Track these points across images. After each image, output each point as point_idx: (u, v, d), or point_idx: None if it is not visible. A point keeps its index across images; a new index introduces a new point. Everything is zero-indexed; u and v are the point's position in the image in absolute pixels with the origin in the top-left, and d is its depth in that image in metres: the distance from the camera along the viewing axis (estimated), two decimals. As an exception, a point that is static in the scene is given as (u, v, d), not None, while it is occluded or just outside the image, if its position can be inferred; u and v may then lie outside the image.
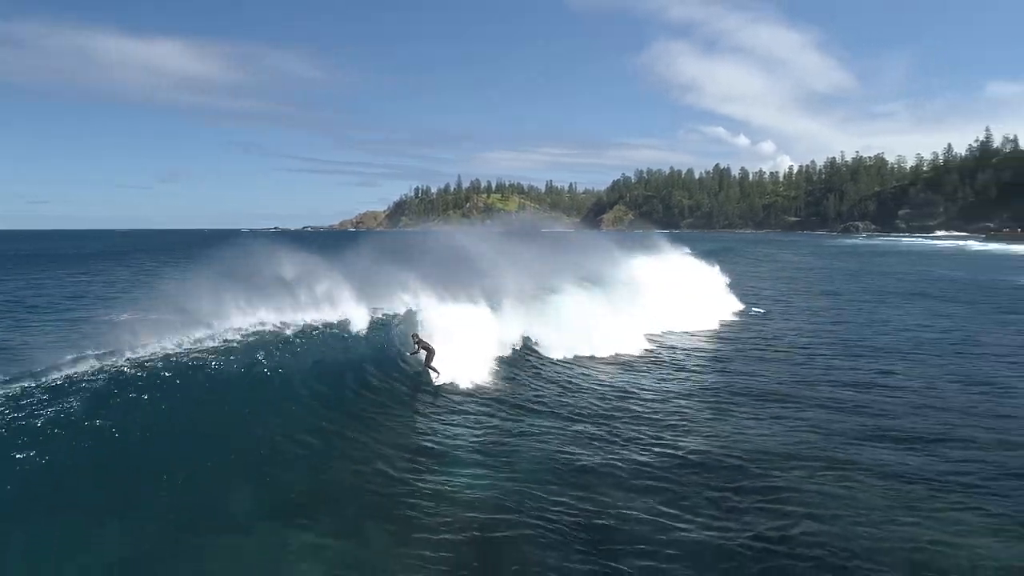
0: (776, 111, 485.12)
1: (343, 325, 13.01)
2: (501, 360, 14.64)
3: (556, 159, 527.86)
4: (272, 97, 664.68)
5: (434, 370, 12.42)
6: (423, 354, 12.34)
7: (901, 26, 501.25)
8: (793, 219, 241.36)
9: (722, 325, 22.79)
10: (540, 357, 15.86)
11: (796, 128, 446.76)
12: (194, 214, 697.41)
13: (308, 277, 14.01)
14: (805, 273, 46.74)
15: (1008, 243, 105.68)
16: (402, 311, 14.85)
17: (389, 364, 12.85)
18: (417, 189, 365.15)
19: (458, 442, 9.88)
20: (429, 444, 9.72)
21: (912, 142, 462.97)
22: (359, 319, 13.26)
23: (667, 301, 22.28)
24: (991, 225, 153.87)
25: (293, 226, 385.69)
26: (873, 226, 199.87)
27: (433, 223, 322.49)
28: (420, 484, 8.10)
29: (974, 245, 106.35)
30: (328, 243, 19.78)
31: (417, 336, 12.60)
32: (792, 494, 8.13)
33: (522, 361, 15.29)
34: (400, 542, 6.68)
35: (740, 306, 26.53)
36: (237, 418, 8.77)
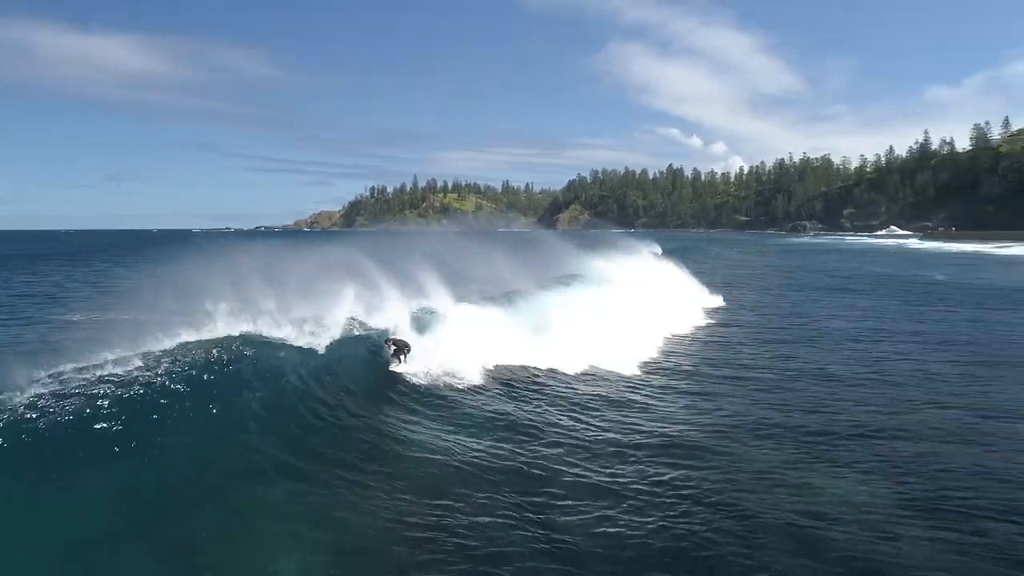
0: (728, 113, 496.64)
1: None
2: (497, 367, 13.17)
3: (513, 159, 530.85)
4: (222, 95, 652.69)
5: (401, 360, 11.60)
6: (392, 350, 11.65)
7: (846, 31, 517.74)
8: (744, 219, 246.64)
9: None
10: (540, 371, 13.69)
11: (747, 129, 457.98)
12: (143, 214, 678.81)
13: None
14: (748, 271, 47.84)
15: (943, 242, 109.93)
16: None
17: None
18: (373, 189, 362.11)
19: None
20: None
21: (857, 143, 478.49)
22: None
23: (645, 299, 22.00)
24: (929, 224, 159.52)
25: (246, 226, 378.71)
26: (820, 225, 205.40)
27: (389, 223, 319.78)
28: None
29: (913, 243, 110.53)
30: (298, 242, 18.63)
31: (391, 340, 11.90)
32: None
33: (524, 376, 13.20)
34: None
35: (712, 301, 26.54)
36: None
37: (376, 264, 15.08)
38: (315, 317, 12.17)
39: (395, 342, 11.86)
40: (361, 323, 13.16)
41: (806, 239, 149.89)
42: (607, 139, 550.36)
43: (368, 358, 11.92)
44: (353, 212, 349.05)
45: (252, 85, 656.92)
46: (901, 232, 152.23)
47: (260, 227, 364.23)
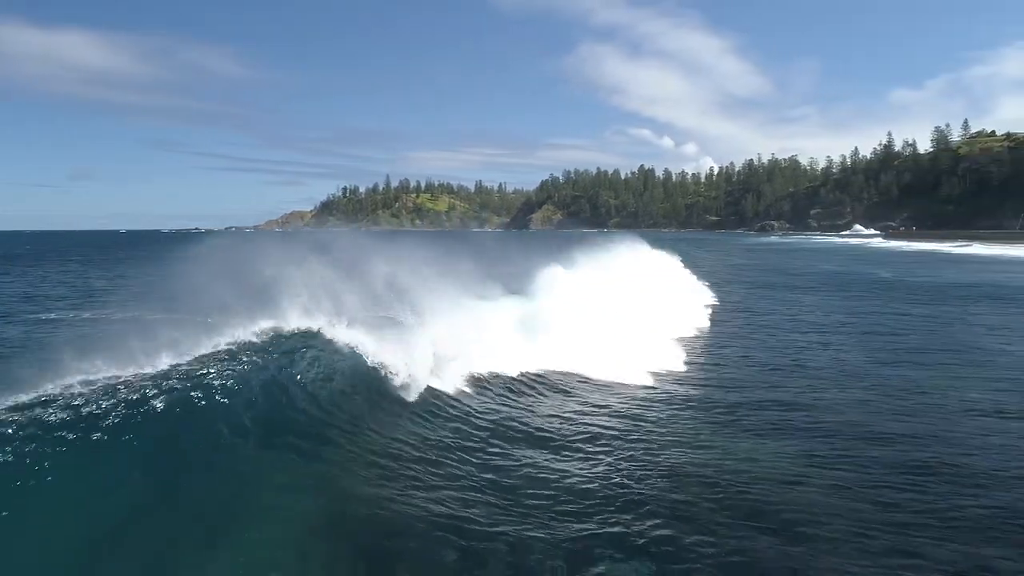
0: (698, 114, 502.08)
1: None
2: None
3: (486, 159, 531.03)
4: (189, 93, 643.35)
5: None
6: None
7: (812, 34, 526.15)
8: (714, 218, 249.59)
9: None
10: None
11: (718, 130, 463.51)
12: (109, 214, 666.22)
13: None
14: (706, 271, 48.50)
15: (905, 241, 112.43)
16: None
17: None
18: (345, 189, 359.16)
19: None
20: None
21: (824, 145, 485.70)
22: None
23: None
24: (893, 224, 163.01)
25: (216, 226, 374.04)
26: (788, 225, 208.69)
27: (362, 223, 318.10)
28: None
29: (876, 243, 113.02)
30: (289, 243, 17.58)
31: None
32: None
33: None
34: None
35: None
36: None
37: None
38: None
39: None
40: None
41: (773, 239, 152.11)
42: (579, 139, 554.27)
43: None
44: (325, 212, 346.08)
45: (220, 83, 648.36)
46: (866, 232, 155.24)
47: (230, 227, 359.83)
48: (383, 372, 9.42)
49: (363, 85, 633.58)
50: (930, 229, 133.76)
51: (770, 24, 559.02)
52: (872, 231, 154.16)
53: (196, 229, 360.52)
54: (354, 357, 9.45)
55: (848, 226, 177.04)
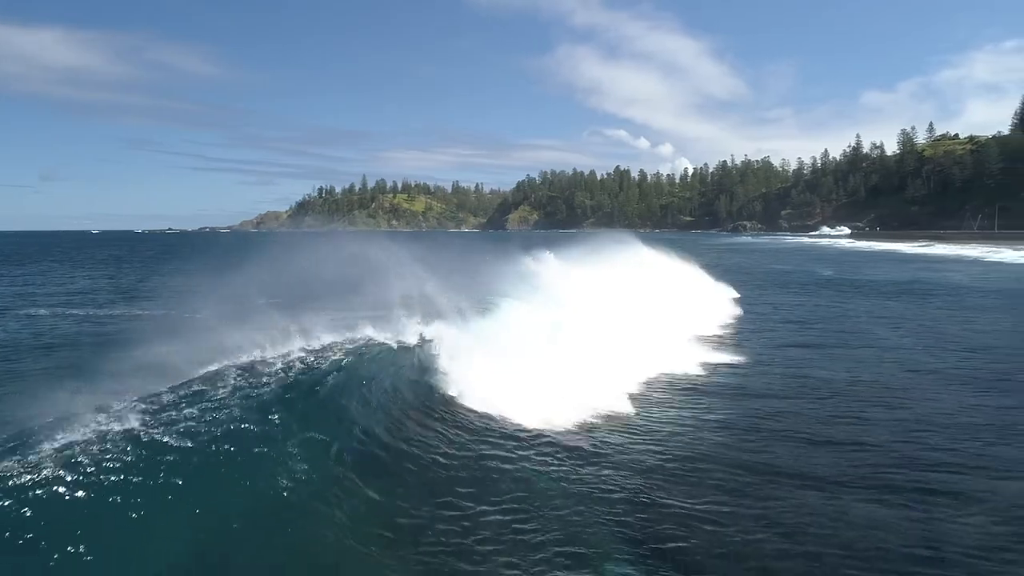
0: (675, 115, 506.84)
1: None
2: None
3: (463, 159, 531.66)
4: (163, 93, 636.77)
5: None
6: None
7: (788, 37, 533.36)
8: (688, 219, 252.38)
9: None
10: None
11: (694, 131, 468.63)
12: (83, 214, 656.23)
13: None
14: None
15: (871, 241, 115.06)
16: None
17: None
18: (321, 189, 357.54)
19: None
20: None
21: (799, 146, 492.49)
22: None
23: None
24: (861, 224, 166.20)
25: (189, 227, 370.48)
26: (760, 226, 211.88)
27: (339, 224, 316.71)
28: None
29: (842, 243, 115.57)
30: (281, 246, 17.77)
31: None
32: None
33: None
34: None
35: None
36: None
37: None
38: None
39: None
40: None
41: (744, 239, 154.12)
42: (556, 140, 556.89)
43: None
44: (301, 212, 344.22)
45: (193, 82, 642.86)
46: (834, 232, 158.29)
47: (204, 228, 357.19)
48: None
49: (339, 85, 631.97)
50: (895, 229, 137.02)
51: (746, 27, 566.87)
52: (841, 231, 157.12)
53: (170, 230, 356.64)
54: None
55: (817, 227, 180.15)
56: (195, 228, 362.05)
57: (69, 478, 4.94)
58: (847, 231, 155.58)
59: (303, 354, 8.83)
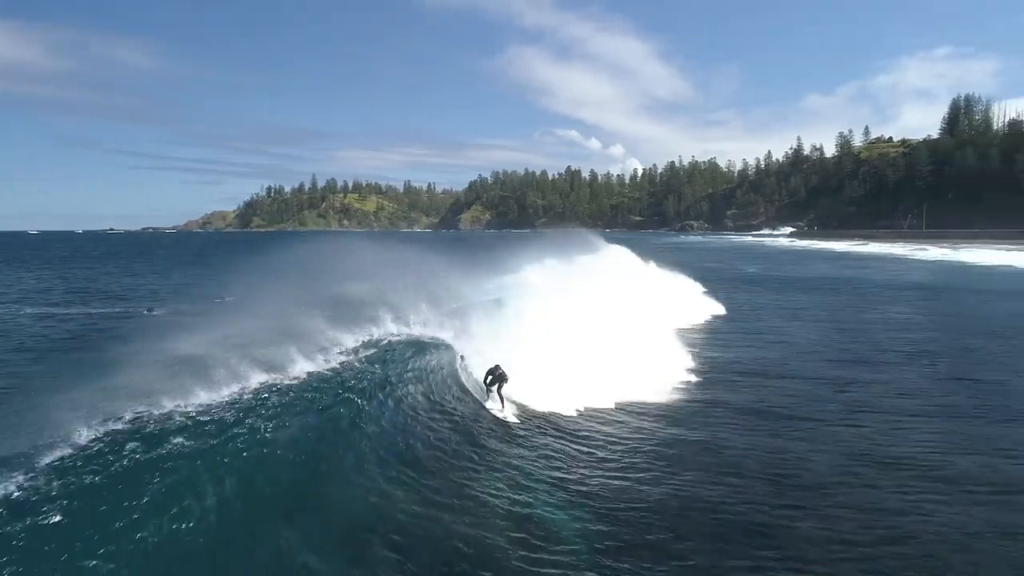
0: (625, 116, 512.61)
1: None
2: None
3: (415, 159, 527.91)
4: (105, 88, 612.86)
5: (500, 398, 10.48)
6: (488, 379, 10.60)
7: (734, 40, 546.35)
8: (638, 219, 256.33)
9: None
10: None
11: (644, 132, 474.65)
12: (20, 214, 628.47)
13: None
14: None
15: (811, 239, 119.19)
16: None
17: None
18: (269, 188, 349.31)
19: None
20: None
21: (745, 147, 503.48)
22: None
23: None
24: (802, 224, 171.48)
25: (132, 227, 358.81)
26: (707, 225, 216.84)
27: (288, 224, 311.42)
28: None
29: (783, 241, 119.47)
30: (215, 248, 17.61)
31: (494, 371, 10.57)
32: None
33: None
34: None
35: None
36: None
37: None
38: None
39: (493, 371, 10.59)
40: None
41: (692, 238, 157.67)
42: (508, 140, 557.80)
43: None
44: (249, 212, 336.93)
45: (137, 78, 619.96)
46: (777, 232, 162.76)
47: (148, 228, 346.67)
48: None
49: (291, 83, 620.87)
50: (834, 229, 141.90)
51: (693, 30, 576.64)
52: (782, 231, 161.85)
53: (111, 230, 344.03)
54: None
55: (761, 226, 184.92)
56: (138, 228, 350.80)
57: (69, 478, 5.11)
58: (789, 231, 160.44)
59: (331, 356, 9.49)
